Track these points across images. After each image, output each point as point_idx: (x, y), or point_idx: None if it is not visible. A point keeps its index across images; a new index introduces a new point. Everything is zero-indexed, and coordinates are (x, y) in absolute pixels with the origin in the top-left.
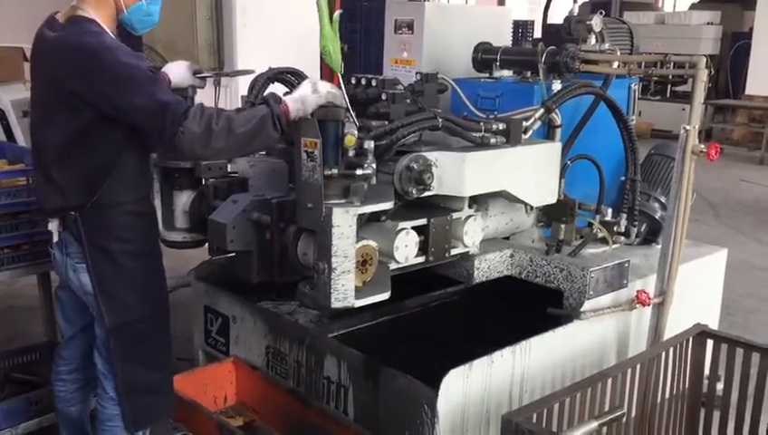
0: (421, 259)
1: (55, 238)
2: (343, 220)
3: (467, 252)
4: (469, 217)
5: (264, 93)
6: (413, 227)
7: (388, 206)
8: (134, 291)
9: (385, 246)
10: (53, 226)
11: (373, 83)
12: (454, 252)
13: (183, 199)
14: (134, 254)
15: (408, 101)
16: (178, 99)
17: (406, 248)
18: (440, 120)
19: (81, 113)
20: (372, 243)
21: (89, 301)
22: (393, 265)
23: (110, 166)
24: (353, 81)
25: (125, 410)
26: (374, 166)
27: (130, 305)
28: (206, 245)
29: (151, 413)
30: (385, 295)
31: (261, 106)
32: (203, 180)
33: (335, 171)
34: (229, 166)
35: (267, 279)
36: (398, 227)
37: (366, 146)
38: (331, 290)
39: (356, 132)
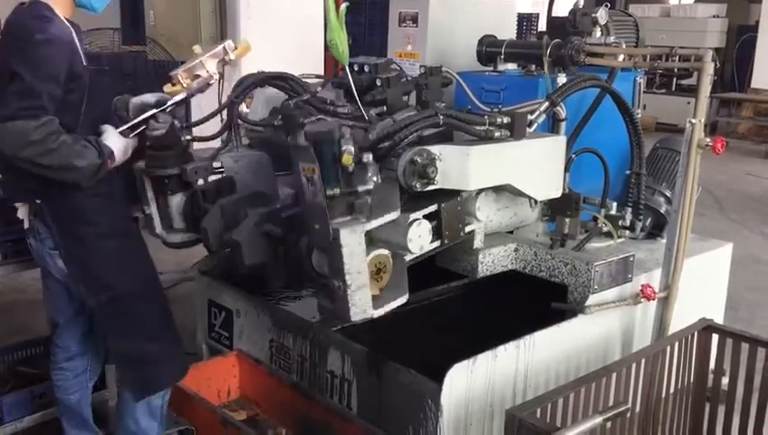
0: (436, 244)
1: (26, 225)
2: (351, 239)
3: (475, 250)
4: (480, 191)
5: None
6: (424, 216)
7: (394, 216)
8: (111, 270)
9: (398, 240)
10: (23, 212)
11: (366, 69)
12: (468, 229)
13: (176, 201)
14: (105, 235)
15: (404, 79)
16: (45, 106)
17: (419, 238)
18: (441, 117)
19: None
20: (384, 251)
21: (71, 284)
22: (409, 257)
23: None
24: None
25: (126, 382)
26: (375, 179)
27: (110, 284)
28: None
29: (152, 383)
30: (403, 299)
31: (95, 153)
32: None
33: (337, 191)
34: (214, 162)
35: (288, 286)
36: (410, 219)
37: (365, 160)
38: (349, 305)
39: (353, 148)
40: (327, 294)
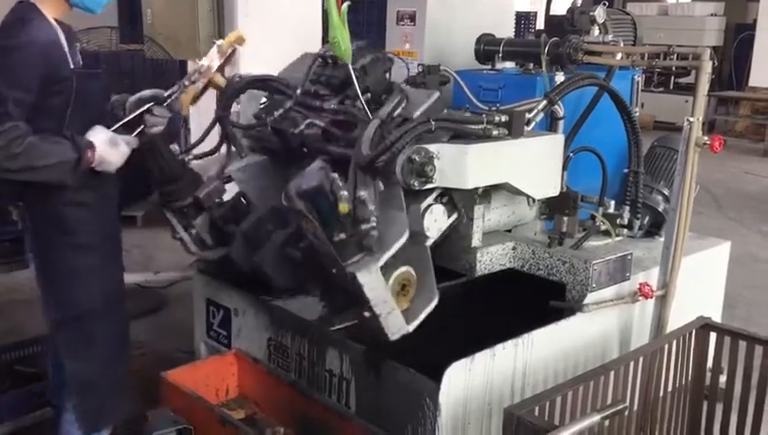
0: (454, 217)
1: (20, 226)
2: (369, 278)
3: (473, 248)
4: None
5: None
6: (435, 199)
7: (403, 239)
8: (80, 285)
9: (416, 228)
10: (16, 214)
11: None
12: (480, 190)
13: (200, 223)
14: (80, 246)
15: (380, 56)
16: (10, 112)
17: (436, 223)
18: (433, 123)
19: None
20: (404, 267)
21: (41, 295)
22: (429, 242)
23: None
24: (320, 60)
25: (77, 411)
26: (377, 214)
27: (76, 300)
28: None
29: (104, 414)
30: (434, 302)
31: (70, 148)
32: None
33: (343, 235)
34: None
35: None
36: (423, 208)
37: (363, 197)
38: (384, 329)
39: (346, 193)
40: (361, 313)
